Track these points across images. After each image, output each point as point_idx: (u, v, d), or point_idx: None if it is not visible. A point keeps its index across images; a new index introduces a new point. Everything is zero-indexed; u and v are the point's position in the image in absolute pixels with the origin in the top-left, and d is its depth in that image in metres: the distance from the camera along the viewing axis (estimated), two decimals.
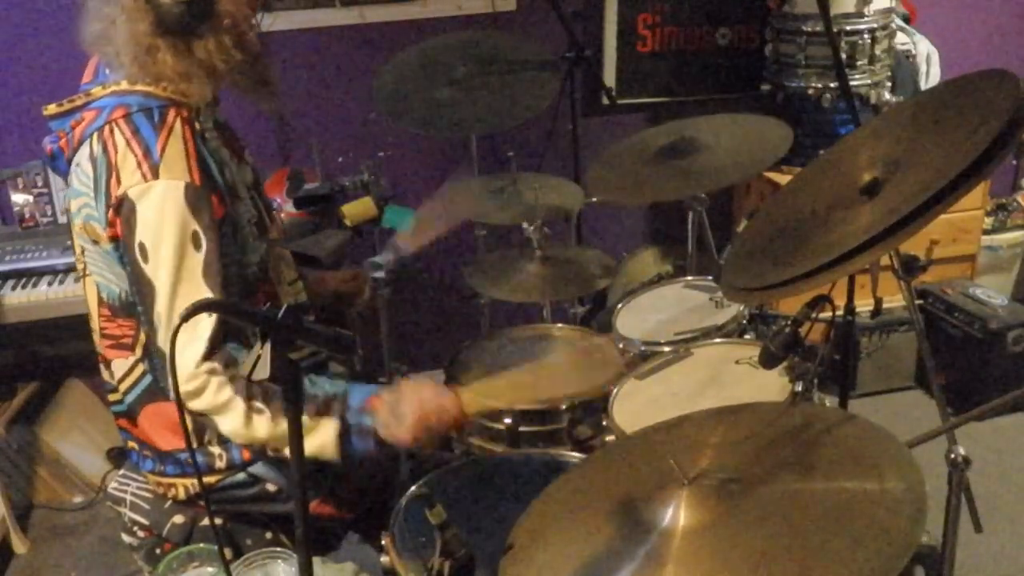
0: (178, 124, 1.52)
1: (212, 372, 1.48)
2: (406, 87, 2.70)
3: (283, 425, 1.38)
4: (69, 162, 1.58)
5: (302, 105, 3.18)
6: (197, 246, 1.49)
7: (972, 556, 2.45)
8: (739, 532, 1.06)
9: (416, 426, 1.56)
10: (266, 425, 1.52)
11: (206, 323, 1.46)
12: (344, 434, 1.56)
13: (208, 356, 1.47)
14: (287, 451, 1.46)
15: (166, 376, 1.63)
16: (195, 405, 1.49)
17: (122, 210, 1.48)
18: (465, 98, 2.66)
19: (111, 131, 1.50)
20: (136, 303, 1.56)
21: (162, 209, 1.47)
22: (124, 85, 1.55)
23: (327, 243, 2.58)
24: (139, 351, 1.63)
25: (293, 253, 2.02)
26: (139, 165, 1.47)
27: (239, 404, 1.50)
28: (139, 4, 1.49)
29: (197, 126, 1.57)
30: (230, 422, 1.51)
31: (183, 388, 1.46)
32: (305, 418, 1.51)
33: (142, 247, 1.47)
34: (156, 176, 1.47)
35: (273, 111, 1.71)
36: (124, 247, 1.50)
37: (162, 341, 1.50)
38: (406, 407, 1.57)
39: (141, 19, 1.49)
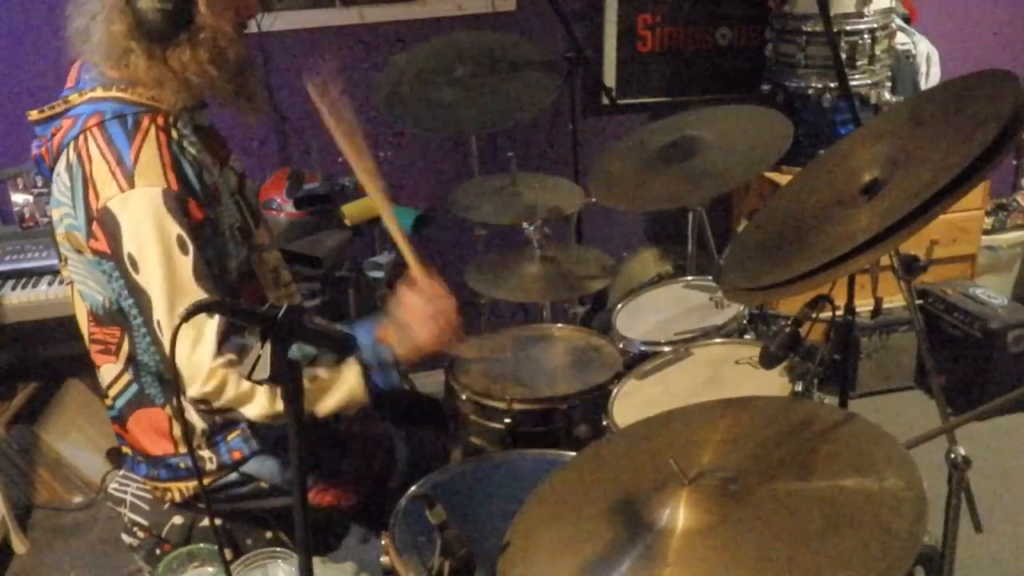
0: (152, 130, 1.51)
1: (229, 364, 1.46)
2: (406, 87, 2.70)
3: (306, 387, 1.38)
4: (51, 170, 1.58)
5: (302, 105, 3.18)
6: (184, 250, 1.47)
7: (972, 556, 2.45)
8: (739, 532, 1.06)
9: (429, 334, 1.56)
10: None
11: (210, 322, 1.45)
12: (366, 374, 1.55)
13: (220, 351, 1.46)
14: (318, 408, 1.51)
15: (154, 383, 1.63)
16: (219, 402, 1.48)
17: (105, 223, 1.47)
18: (465, 98, 2.66)
19: (85, 140, 1.50)
20: (126, 312, 1.55)
21: (144, 218, 1.46)
22: (99, 92, 1.54)
23: (327, 243, 2.58)
24: (123, 359, 1.63)
25: (294, 253, 2.02)
26: (113, 175, 1.46)
27: (261, 387, 1.47)
28: (119, 4, 1.48)
29: (174, 133, 1.55)
30: (256, 407, 1.49)
31: (203, 389, 1.45)
32: (324, 371, 1.51)
33: (131, 258, 1.47)
34: (132, 185, 1.46)
35: (256, 122, 1.68)
36: (113, 260, 1.49)
37: (167, 350, 1.49)
38: (412, 323, 1.56)
39: (119, 20, 1.49)
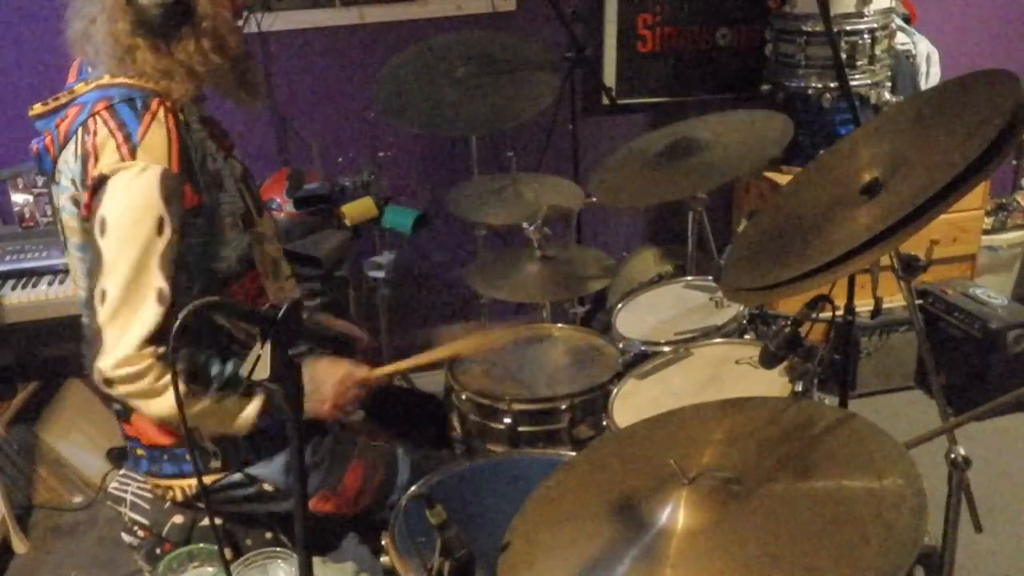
0: (162, 111, 1.52)
1: (158, 357, 1.49)
2: (406, 87, 2.70)
3: (205, 403, 1.50)
4: (55, 160, 1.58)
5: (302, 105, 3.18)
6: (160, 231, 1.49)
7: (972, 556, 2.45)
8: (740, 532, 1.06)
9: (337, 401, 1.70)
10: (199, 403, 1.54)
11: (152, 310, 1.47)
12: (263, 412, 1.61)
13: (152, 341, 1.48)
14: (204, 427, 1.60)
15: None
16: (128, 389, 1.49)
17: (95, 188, 1.49)
18: (465, 98, 2.66)
19: (94, 122, 1.50)
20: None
21: (132, 188, 1.47)
22: (106, 79, 1.55)
23: (327, 243, 2.58)
24: None
25: (294, 253, 2.01)
26: (118, 147, 1.48)
27: (170, 390, 1.45)
28: (119, 4, 1.49)
29: (182, 116, 1.57)
30: (162, 405, 1.51)
31: (119, 372, 1.47)
32: (234, 400, 1.57)
33: (103, 221, 1.48)
34: (133, 157, 1.47)
35: (257, 111, 1.71)
36: (90, 219, 1.51)
37: (102, 319, 1.49)
38: (325, 388, 1.68)
39: (120, 18, 1.50)
